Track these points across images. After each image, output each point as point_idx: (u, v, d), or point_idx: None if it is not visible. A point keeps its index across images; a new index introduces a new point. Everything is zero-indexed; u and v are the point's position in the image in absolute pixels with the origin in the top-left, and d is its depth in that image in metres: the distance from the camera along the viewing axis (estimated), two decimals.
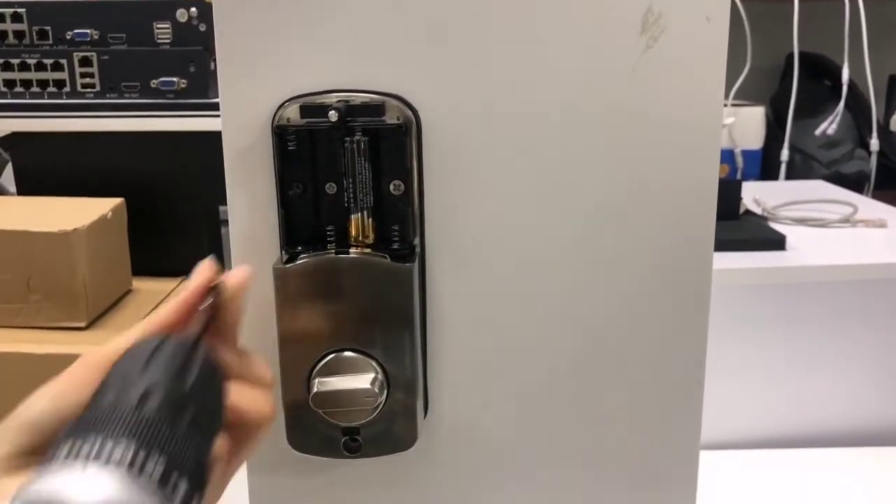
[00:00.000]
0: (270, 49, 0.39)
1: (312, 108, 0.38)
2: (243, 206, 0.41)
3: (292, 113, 0.39)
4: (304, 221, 0.39)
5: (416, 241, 0.40)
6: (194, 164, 0.83)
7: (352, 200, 0.39)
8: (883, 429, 0.94)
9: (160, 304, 0.81)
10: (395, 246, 0.39)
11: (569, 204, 0.41)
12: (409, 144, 0.39)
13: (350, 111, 0.38)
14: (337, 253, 0.39)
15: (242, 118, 0.40)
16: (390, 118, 0.39)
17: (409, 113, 0.39)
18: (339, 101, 0.39)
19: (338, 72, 0.39)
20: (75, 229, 0.72)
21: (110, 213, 0.77)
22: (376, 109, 0.39)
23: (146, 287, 0.83)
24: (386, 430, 0.40)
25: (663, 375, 0.42)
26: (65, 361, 0.69)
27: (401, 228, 0.39)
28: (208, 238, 0.87)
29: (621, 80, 0.39)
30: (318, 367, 0.39)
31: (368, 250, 0.39)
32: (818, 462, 0.90)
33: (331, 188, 0.39)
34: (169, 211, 0.86)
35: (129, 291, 0.83)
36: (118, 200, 0.79)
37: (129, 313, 0.78)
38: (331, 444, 0.40)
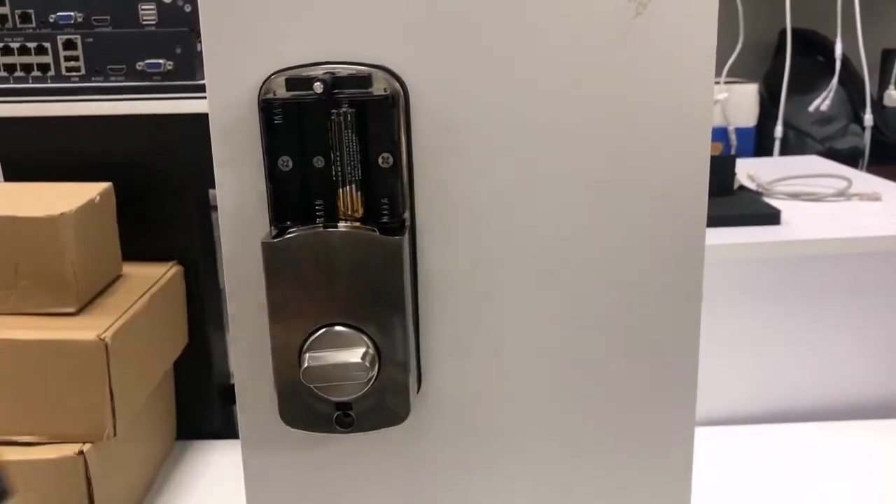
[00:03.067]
0: (255, 22, 0.38)
1: (298, 81, 0.38)
2: (231, 182, 0.40)
3: (278, 86, 0.38)
4: (292, 196, 0.39)
5: (406, 214, 0.40)
6: (183, 147, 0.82)
7: (340, 174, 0.38)
8: (878, 402, 0.95)
9: (151, 288, 0.80)
10: (385, 220, 0.39)
11: (560, 176, 0.40)
12: (397, 116, 0.38)
13: (336, 83, 0.38)
14: (325, 227, 0.39)
15: (228, 93, 0.39)
16: (377, 90, 0.38)
17: (397, 84, 0.39)
18: (325, 73, 0.38)
19: (324, 44, 0.39)
20: (62, 214, 0.71)
21: (98, 198, 0.76)
22: (363, 81, 0.38)
23: (136, 272, 0.83)
24: (379, 404, 0.40)
25: (658, 347, 0.42)
26: (55, 347, 0.69)
27: (390, 202, 0.39)
28: (198, 222, 0.86)
29: (612, 48, 0.39)
30: (308, 343, 0.39)
31: (358, 224, 0.39)
32: (813, 437, 0.91)
33: (319, 162, 0.39)
34: (158, 195, 0.85)
35: (119, 276, 0.82)
36: (106, 185, 0.78)
37: (120, 298, 0.77)
38: (324, 419, 0.40)
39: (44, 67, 0.82)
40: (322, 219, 0.39)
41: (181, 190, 0.85)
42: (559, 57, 0.39)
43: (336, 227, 0.39)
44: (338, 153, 0.38)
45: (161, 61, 0.81)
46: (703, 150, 0.40)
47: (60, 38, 0.81)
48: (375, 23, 0.38)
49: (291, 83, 0.38)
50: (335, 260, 0.38)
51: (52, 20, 0.82)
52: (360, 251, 0.38)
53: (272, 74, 0.38)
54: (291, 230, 0.39)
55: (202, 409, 0.91)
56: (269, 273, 0.39)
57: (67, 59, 0.81)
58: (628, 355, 0.42)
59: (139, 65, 0.81)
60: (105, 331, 0.70)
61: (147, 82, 0.82)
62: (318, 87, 0.37)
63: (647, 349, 0.42)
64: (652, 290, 0.41)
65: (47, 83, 0.82)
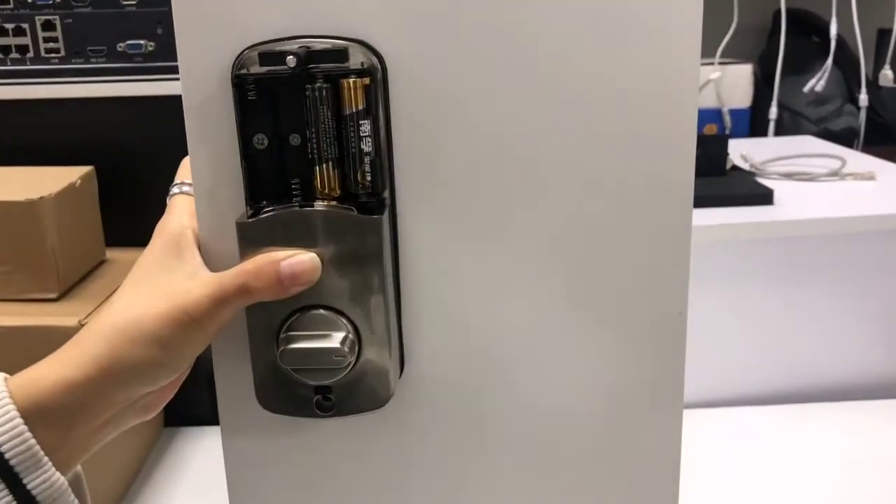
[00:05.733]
0: None
1: (272, 56, 0.37)
2: (205, 160, 0.39)
3: (251, 62, 0.37)
4: (268, 175, 0.38)
5: (386, 193, 0.39)
6: (165, 128, 0.81)
7: (316, 152, 0.37)
8: (872, 382, 0.94)
9: None
10: (363, 198, 0.38)
11: (544, 152, 0.39)
12: (375, 91, 0.37)
13: (311, 57, 0.36)
14: (302, 207, 0.37)
15: (201, 69, 0.38)
16: (354, 64, 0.37)
17: (374, 58, 0.37)
18: (299, 47, 0.37)
19: (299, 17, 0.37)
20: (42, 198, 0.70)
21: (79, 182, 0.75)
22: (339, 55, 0.37)
23: (120, 257, 0.82)
24: (359, 387, 0.39)
25: (647, 327, 0.41)
26: (36, 333, 0.68)
27: (369, 180, 0.38)
28: None
29: (595, 20, 0.37)
30: (286, 325, 0.38)
31: (335, 203, 0.38)
32: (806, 417, 0.90)
33: (294, 139, 0.37)
34: (141, 178, 0.84)
35: (102, 262, 0.81)
36: (87, 168, 0.77)
37: (103, 284, 0.76)
38: (303, 403, 0.39)
39: (22, 49, 0.80)
40: (299, 198, 0.38)
41: (164, 173, 0.84)
42: (542, 28, 0.38)
43: (313, 206, 0.38)
44: (313, 130, 0.37)
45: (142, 42, 0.79)
46: (690, 128, 0.39)
47: (39, 19, 0.80)
48: None
49: (265, 58, 0.37)
50: (312, 240, 0.37)
51: (30, 1, 0.80)
52: (337, 230, 0.37)
53: (245, 49, 0.37)
54: (267, 210, 0.38)
55: (189, 395, 0.90)
56: (245, 254, 0.38)
57: (46, 40, 0.80)
58: (616, 334, 0.41)
59: (120, 46, 0.80)
60: (87, 316, 0.69)
61: (128, 63, 0.80)
62: (291, 61, 0.36)
63: (635, 329, 0.41)
64: (640, 268, 0.40)
65: (26, 65, 0.81)
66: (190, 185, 0.41)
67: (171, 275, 0.38)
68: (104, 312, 0.38)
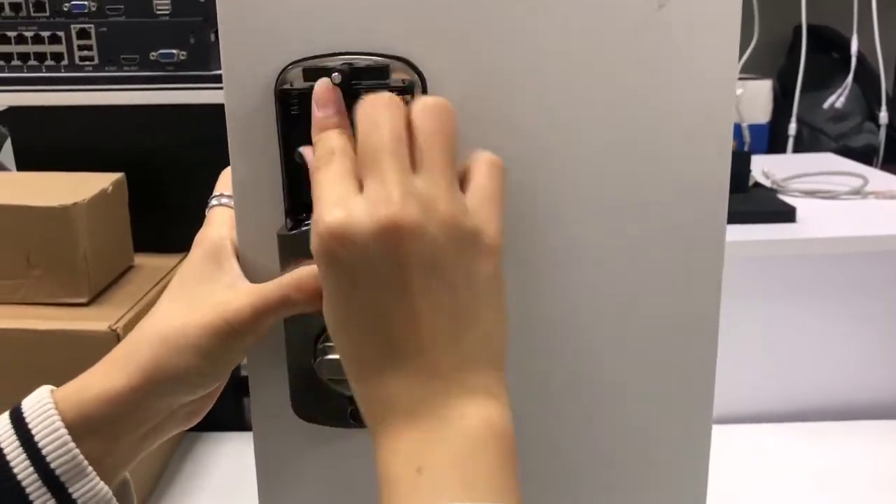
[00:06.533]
0: (272, 12, 0.38)
1: (315, 72, 0.37)
2: (246, 173, 0.40)
3: (295, 77, 0.38)
4: (308, 188, 0.38)
5: None
6: (196, 137, 0.82)
7: None
8: (895, 401, 0.94)
9: (162, 280, 0.80)
10: None
11: (580, 170, 0.39)
12: None
13: (354, 74, 0.37)
14: None
15: (244, 83, 0.39)
16: (395, 81, 0.38)
17: (415, 75, 0.38)
18: (342, 63, 0.37)
19: (342, 34, 0.38)
20: (75, 203, 0.71)
21: (111, 188, 0.76)
22: (381, 72, 0.38)
23: (148, 263, 0.83)
24: None
25: (674, 342, 0.41)
26: (66, 337, 0.68)
27: None
28: None
29: (634, 41, 0.38)
30: (324, 335, 0.38)
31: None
32: (829, 435, 0.90)
33: None
34: (170, 186, 0.85)
35: (130, 267, 0.82)
36: (118, 175, 0.78)
37: (131, 289, 0.77)
38: (337, 412, 0.39)
39: (57, 56, 0.82)
40: None
41: (194, 180, 0.85)
42: (580, 48, 0.38)
43: None
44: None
45: (174, 51, 0.80)
46: (725, 147, 0.39)
47: (74, 28, 0.81)
48: (394, 12, 0.38)
49: (309, 73, 0.37)
50: None
51: (65, 9, 0.81)
52: None
53: (289, 65, 0.38)
54: (307, 222, 0.38)
55: None
56: (285, 265, 0.38)
57: (81, 48, 0.81)
58: (644, 350, 0.42)
59: (153, 54, 0.81)
60: (117, 321, 0.70)
61: (160, 72, 0.81)
62: (336, 77, 0.37)
63: (662, 344, 0.41)
64: (670, 285, 0.41)
65: (61, 72, 0.82)
66: (229, 196, 0.41)
67: (211, 285, 0.38)
68: (145, 322, 0.38)
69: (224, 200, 0.42)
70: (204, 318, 0.37)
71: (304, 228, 0.38)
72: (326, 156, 0.34)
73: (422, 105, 0.34)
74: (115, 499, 0.37)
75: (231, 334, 0.36)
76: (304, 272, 0.37)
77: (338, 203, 0.32)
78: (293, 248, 0.38)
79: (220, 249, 0.40)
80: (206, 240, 0.40)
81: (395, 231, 0.31)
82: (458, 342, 0.32)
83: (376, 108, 0.34)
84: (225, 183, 0.43)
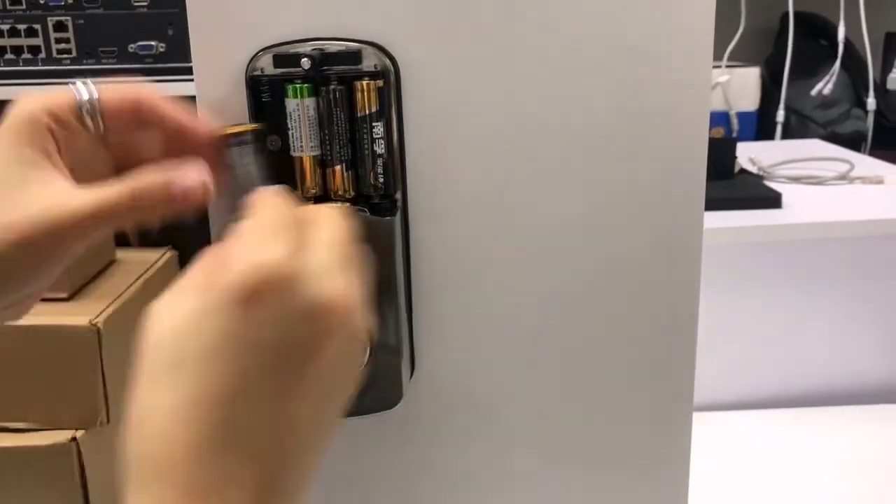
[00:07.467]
0: None
1: (286, 58, 0.37)
2: None
3: (266, 63, 0.37)
4: (281, 176, 0.38)
5: (398, 195, 0.39)
6: None
7: (329, 154, 0.37)
8: (881, 386, 0.94)
9: (144, 273, 0.80)
10: (376, 200, 0.38)
11: (556, 156, 0.39)
12: (388, 93, 0.37)
13: (325, 59, 0.37)
14: None
15: (215, 70, 0.38)
16: (367, 66, 0.37)
17: (387, 61, 0.37)
18: (313, 49, 0.37)
19: (313, 20, 0.38)
20: None
21: None
22: (352, 57, 0.37)
23: (130, 257, 0.82)
24: (370, 388, 0.39)
25: (655, 330, 0.41)
26: (48, 333, 0.68)
27: (382, 182, 0.38)
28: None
29: (607, 25, 0.38)
30: None
31: (348, 205, 0.38)
32: (814, 421, 0.90)
33: None
34: None
35: (112, 262, 0.81)
36: None
37: (113, 284, 0.77)
38: None
39: (34, 50, 0.81)
40: (312, 199, 0.38)
41: None
42: (553, 31, 0.38)
43: None
44: (327, 132, 0.37)
45: (153, 43, 0.79)
46: (702, 130, 0.39)
47: (51, 20, 0.80)
48: None
49: (279, 60, 0.37)
50: None
51: (42, 2, 0.80)
52: None
53: (259, 51, 0.37)
54: None
55: None
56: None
57: (58, 41, 0.80)
58: (625, 339, 0.41)
59: (131, 47, 0.80)
60: (97, 316, 0.69)
61: (139, 65, 0.80)
62: (305, 63, 0.36)
63: (643, 333, 0.41)
64: (649, 273, 0.40)
65: (38, 66, 0.81)
66: (97, 100, 0.34)
67: (21, 184, 0.33)
68: None
69: (83, 90, 0.34)
70: (27, 216, 0.32)
71: None
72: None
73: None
74: None
75: (60, 237, 0.32)
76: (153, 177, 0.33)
77: (288, 250, 0.27)
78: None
79: (34, 134, 0.33)
80: (14, 114, 0.33)
81: (330, 316, 0.27)
82: (303, 461, 0.27)
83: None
84: (114, 89, 0.35)
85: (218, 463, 0.26)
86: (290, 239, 0.28)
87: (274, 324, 0.26)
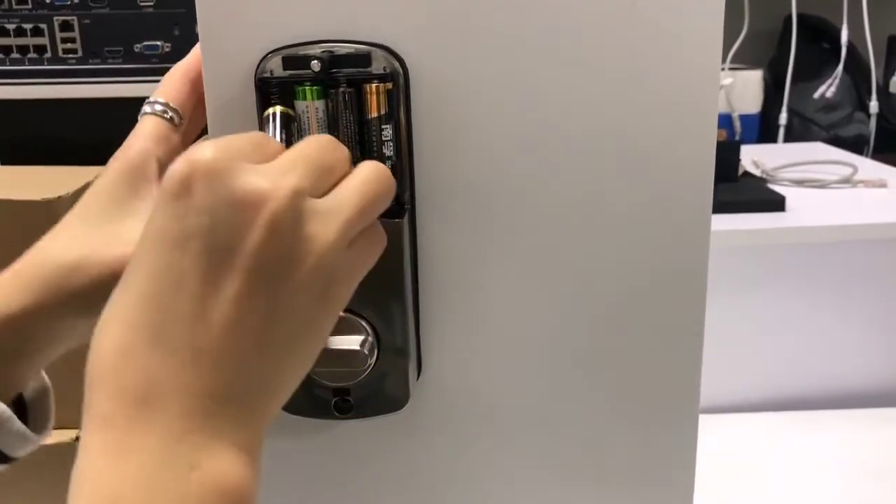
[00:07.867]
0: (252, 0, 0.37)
1: (295, 60, 0.37)
2: None
3: (275, 65, 0.37)
4: None
5: (407, 196, 0.39)
6: None
7: None
8: (884, 389, 0.94)
9: None
10: None
11: (564, 159, 0.39)
12: (397, 96, 0.37)
13: (334, 62, 0.37)
14: None
15: (224, 72, 0.38)
16: (376, 69, 0.37)
17: (396, 63, 0.38)
18: (322, 51, 0.37)
19: (322, 22, 0.38)
20: (59, 197, 0.70)
21: (95, 181, 0.76)
22: (362, 59, 0.37)
23: None
24: (377, 390, 0.39)
25: (661, 335, 0.41)
26: None
27: None
28: None
29: (617, 29, 0.38)
30: None
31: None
32: (818, 424, 0.90)
33: None
34: None
35: None
36: (102, 168, 0.77)
37: None
38: (321, 404, 0.39)
39: (40, 49, 0.81)
40: None
41: None
42: (563, 34, 0.38)
43: None
44: (336, 134, 0.37)
45: (159, 43, 0.80)
46: (710, 136, 0.39)
47: (57, 20, 0.80)
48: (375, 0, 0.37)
49: (288, 62, 0.37)
50: None
51: (48, 1, 0.81)
52: None
53: (269, 53, 0.37)
54: None
55: None
56: None
57: (64, 40, 0.80)
58: (631, 342, 0.41)
59: (137, 47, 0.80)
60: None
61: (145, 64, 0.80)
62: (315, 65, 0.36)
63: (649, 337, 0.41)
64: (656, 278, 0.41)
65: (44, 65, 0.81)
66: (165, 104, 0.36)
67: (121, 217, 0.34)
68: (45, 244, 0.35)
69: (158, 108, 0.37)
70: (106, 256, 0.33)
71: None
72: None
73: (371, 166, 0.31)
74: (13, 418, 0.34)
75: None
76: None
77: (229, 151, 0.27)
78: None
79: (138, 169, 0.35)
80: (125, 155, 0.35)
81: (259, 207, 0.26)
82: (244, 367, 0.26)
83: (327, 144, 0.31)
84: (166, 87, 0.37)
85: (149, 366, 0.25)
86: (253, 147, 0.28)
87: (199, 210, 0.26)
